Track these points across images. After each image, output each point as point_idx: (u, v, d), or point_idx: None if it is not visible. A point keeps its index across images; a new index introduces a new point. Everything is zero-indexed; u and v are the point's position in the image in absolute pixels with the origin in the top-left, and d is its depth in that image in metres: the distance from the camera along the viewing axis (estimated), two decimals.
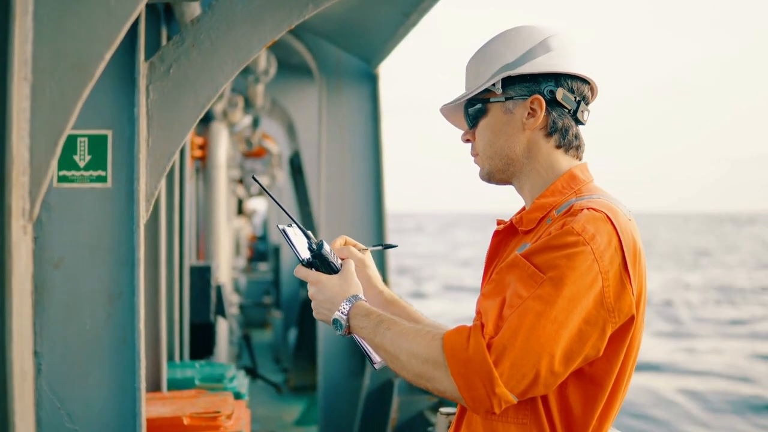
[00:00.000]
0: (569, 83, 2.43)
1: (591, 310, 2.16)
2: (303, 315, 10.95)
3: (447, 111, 2.64)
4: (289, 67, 8.39)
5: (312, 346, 9.58)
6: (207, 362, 5.07)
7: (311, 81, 8.24)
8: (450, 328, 2.28)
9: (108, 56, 2.23)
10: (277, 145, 13.54)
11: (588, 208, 2.25)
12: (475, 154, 2.56)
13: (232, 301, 9.88)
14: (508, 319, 2.14)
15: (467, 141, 2.58)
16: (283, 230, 2.53)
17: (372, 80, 6.64)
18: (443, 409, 3.89)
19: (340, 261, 2.56)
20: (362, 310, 2.42)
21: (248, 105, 8.87)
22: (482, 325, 2.18)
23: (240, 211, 14.15)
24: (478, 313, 2.25)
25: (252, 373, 9.68)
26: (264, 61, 6.96)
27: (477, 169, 2.53)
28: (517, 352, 2.10)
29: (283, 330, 13.00)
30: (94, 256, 3.15)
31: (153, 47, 3.85)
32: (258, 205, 22.82)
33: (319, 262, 2.53)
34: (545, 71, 2.41)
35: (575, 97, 2.44)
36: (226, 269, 9.11)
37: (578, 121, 2.48)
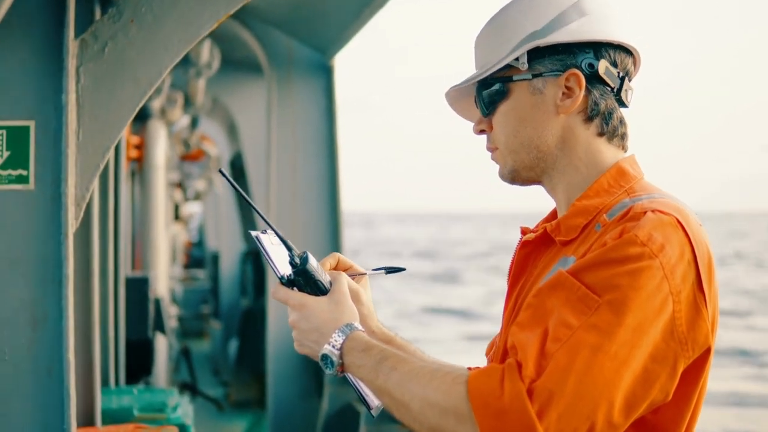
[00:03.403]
0: (611, 54, 2.01)
1: (659, 342, 1.75)
2: (244, 325, 10.69)
3: (453, 97, 2.19)
4: (233, 62, 8.12)
5: (255, 359, 9.36)
6: (146, 387, 4.77)
7: (256, 77, 8.01)
8: (472, 367, 1.84)
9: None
10: (217, 147, 13.24)
11: (653, 211, 1.83)
12: (492, 148, 2.12)
13: (171, 313, 9.57)
14: (555, 356, 1.71)
15: (481, 132, 2.13)
16: (257, 238, 2.04)
17: (327, 73, 6.36)
18: None
19: (329, 279, 2.07)
20: (360, 344, 1.94)
21: (188, 103, 8.55)
22: (519, 365, 1.74)
23: (176, 216, 13.80)
24: (513, 348, 1.81)
25: (191, 389, 9.32)
26: (207, 52, 6.64)
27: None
28: (568, 399, 1.67)
29: (223, 341, 12.72)
30: (13, 272, 2.86)
31: (84, 22, 3.39)
32: (194, 209, 22.56)
33: (303, 280, 2.03)
34: (583, 39, 1.99)
35: (618, 72, 2.02)
36: (165, 279, 8.76)
37: (621, 103, 2.05)
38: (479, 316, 31.23)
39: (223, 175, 2.11)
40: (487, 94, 2.07)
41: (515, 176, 2.09)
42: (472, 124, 2.16)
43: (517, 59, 2.00)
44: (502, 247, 66.66)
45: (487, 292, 37.58)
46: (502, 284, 2.60)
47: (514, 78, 2.02)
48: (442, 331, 27.50)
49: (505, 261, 2.35)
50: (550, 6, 2.02)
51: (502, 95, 2.05)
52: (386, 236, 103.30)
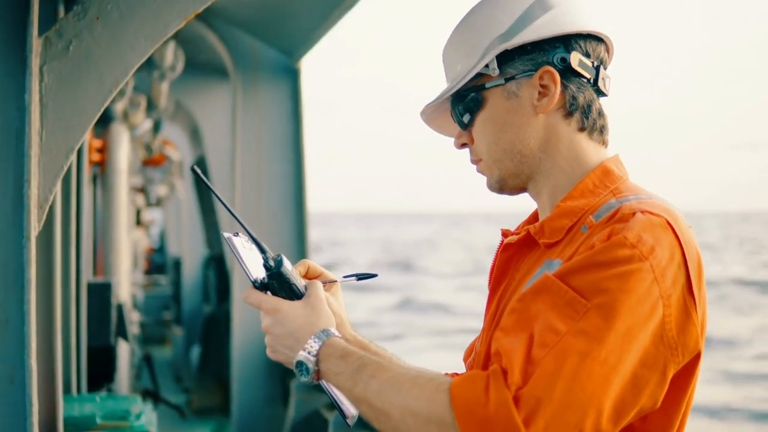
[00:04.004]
0: (582, 45, 1.96)
1: (649, 347, 1.69)
2: (207, 331, 10.55)
3: (429, 115, 2.13)
4: (197, 65, 8.00)
5: (217, 365, 9.28)
6: (109, 395, 4.70)
7: (220, 80, 7.99)
8: (451, 374, 1.78)
9: None
10: (179, 151, 13.11)
11: (642, 212, 1.77)
12: (476, 160, 2.06)
13: (133, 319, 9.44)
14: (542, 362, 1.65)
15: (463, 146, 2.08)
16: (229, 240, 1.97)
17: (293, 75, 6.30)
18: None
19: (304, 283, 2.00)
20: (337, 350, 1.88)
21: (151, 106, 8.37)
22: (504, 371, 1.67)
23: (138, 221, 13.66)
24: (497, 354, 1.74)
25: (154, 396, 9.19)
26: (171, 55, 6.53)
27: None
28: (555, 407, 1.62)
29: (185, 347, 12.55)
30: None
31: (48, 20, 3.32)
32: (155, 215, 22.42)
33: (278, 283, 1.96)
34: (551, 35, 1.93)
35: (592, 62, 1.97)
36: (127, 285, 8.63)
37: (600, 92, 2.00)
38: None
39: (196, 173, 2.02)
40: (463, 106, 2.01)
41: (503, 185, 2.03)
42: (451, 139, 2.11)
43: (487, 66, 1.95)
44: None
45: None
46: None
47: (487, 85, 1.97)
48: None
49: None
50: (513, 6, 1.97)
51: (478, 105, 2.00)
52: (347, 237, 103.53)
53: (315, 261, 2.21)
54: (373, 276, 2.25)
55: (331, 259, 54.92)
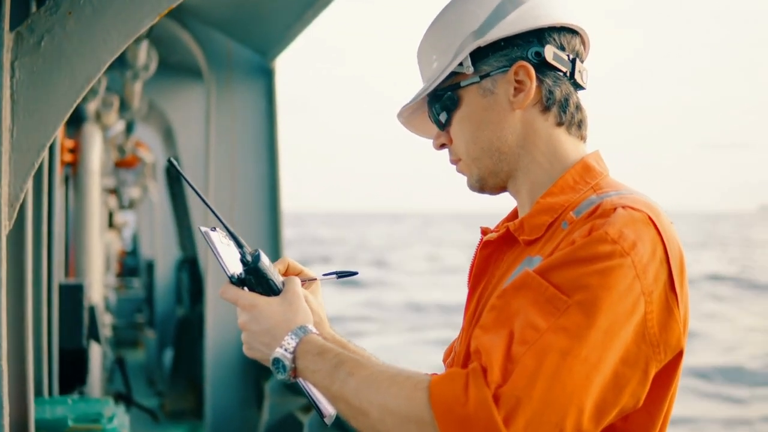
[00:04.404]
0: (556, 38, 1.93)
1: (630, 345, 1.65)
2: (180, 334, 10.41)
3: (406, 117, 2.10)
4: (170, 65, 7.90)
5: (190, 368, 9.13)
6: (81, 397, 4.62)
7: (194, 81, 7.94)
8: (433, 374, 1.74)
9: None
10: (152, 153, 13.02)
11: (624, 207, 1.74)
12: (455, 160, 2.03)
13: (105, 322, 9.36)
14: (521, 360, 1.61)
15: (442, 147, 2.04)
16: (206, 234, 1.93)
17: (267, 75, 6.22)
18: None
19: (281, 279, 1.96)
20: (314, 347, 1.83)
21: (123, 107, 8.29)
22: (484, 369, 1.64)
23: (110, 223, 13.57)
24: (476, 352, 1.70)
25: (126, 399, 9.11)
26: (144, 54, 6.43)
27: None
28: (536, 406, 1.58)
29: (158, 350, 12.44)
30: None
31: (20, 14, 3.20)
32: (128, 217, 22.32)
33: (255, 279, 1.92)
34: (524, 29, 1.90)
35: (568, 55, 1.94)
36: (99, 287, 8.55)
37: (577, 85, 1.97)
38: None
39: (173, 165, 1.98)
40: (439, 106, 1.98)
41: (483, 184, 2.00)
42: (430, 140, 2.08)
43: (461, 64, 1.92)
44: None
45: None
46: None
47: (462, 84, 1.94)
48: None
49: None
50: (484, 2, 1.94)
51: (454, 104, 1.97)
52: (321, 237, 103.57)
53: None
54: (354, 274, 2.21)
55: (306, 258, 54.99)
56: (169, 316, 12.46)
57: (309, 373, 1.82)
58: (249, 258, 1.91)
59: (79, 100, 2.83)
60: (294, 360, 1.84)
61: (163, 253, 13.55)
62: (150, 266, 14.96)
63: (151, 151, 13.09)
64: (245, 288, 1.93)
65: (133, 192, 13.97)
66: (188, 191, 9.06)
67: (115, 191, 12.46)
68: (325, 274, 2.18)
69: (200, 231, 1.96)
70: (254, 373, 6.16)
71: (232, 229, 1.95)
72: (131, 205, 16.23)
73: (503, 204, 2.12)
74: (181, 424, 9.65)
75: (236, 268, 1.93)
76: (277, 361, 1.84)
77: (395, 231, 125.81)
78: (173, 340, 10.83)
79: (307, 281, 2.12)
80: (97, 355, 7.74)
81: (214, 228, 1.96)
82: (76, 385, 5.74)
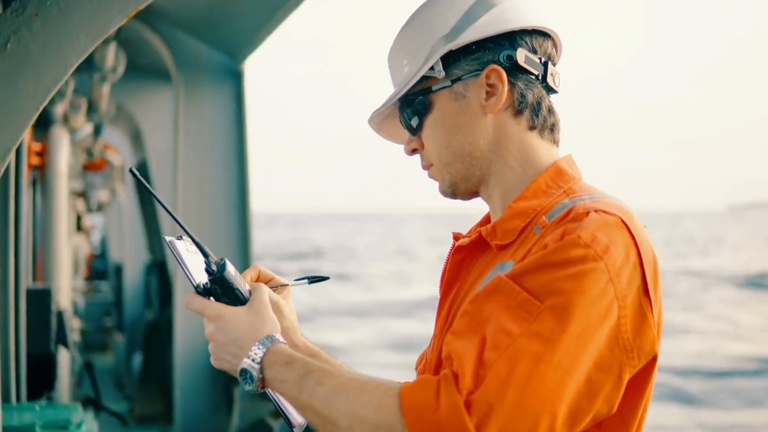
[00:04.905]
0: (528, 41, 1.91)
1: (604, 350, 1.63)
2: (149, 338, 10.34)
3: (377, 122, 2.07)
4: (138, 67, 7.84)
5: (160, 372, 9.10)
6: (49, 403, 4.56)
7: (162, 83, 7.89)
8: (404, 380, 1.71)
9: None
10: (120, 156, 12.94)
11: (596, 211, 1.72)
12: (427, 165, 2.00)
13: (73, 326, 9.28)
14: (494, 365, 1.59)
15: (413, 152, 2.02)
16: (171, 244, 1.89)
17: (236, 77, 6.19)
18: None
19: (248, 287, 1.93)
20: (282, 357, 1.80)
21: (91, 109, 8.20)
22: (455, 376, 1.61)
23: (79, 227, 13.48)
24: (448, 358, 1.68)
25: (95, 404, 9.03)
26: (112, 56, 6.37)
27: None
28: (508, 412, 1.56)
29: (127, 354, 12.36)
30: None
31: None
32: (96, 220, 22.19)
33: (221, 288, 1.89)
34: (495, 32, 1.88)
35: (540, 58, 1.92)
36: (67, 291, 8.47)
37: (549, 89, 1.95)
38: None
39: (135, 175, 1.93)
40: (411, 110, 1.96)
41: (455, 190, 1.98)
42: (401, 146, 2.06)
43: (432, 68, 1.90)
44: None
45: None
46: None
47: (434, 88, 1.92)
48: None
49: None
50: (455, 5, 1.92)
51: (426, 108, 1.94)
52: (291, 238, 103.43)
53: (261, 265, 2.15)
54: (325, 279, 2.18)
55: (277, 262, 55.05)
56: (138, 320, 12.39)
57: (277, 383, 1.79)
58: (214, 267, 1.88)
59: (45, 103, 2.78)
60: (261, 370, 1.81)
61: (131, 257, 13.49)
62: (119, 270, 14.91)
63: (119, 153, 13.02)
64: (211, 298, 1.90)
65: (101, 195, 13.89)
66: (157, 193, 8.98)
67: (83, 194, 12.38)
68: (296, 279, 2.15)
69: (165, 240, 1.93)
70: (224, 378, 6.12)
71: (196, 238, 1.92)
72: (100, 208, 16.14)
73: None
74: (151, 429, 9.59)
75: (202, 278, 1.90)
76: (244, 371, 1.82)
77: (366, 230, 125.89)
78: (142, 343, 10.75)
79: (278, 287, 2.10)
80: (65, 360, 7.67)
81: (180, 237, 1.93)
82: (45, 390, 5.69)
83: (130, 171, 1.96)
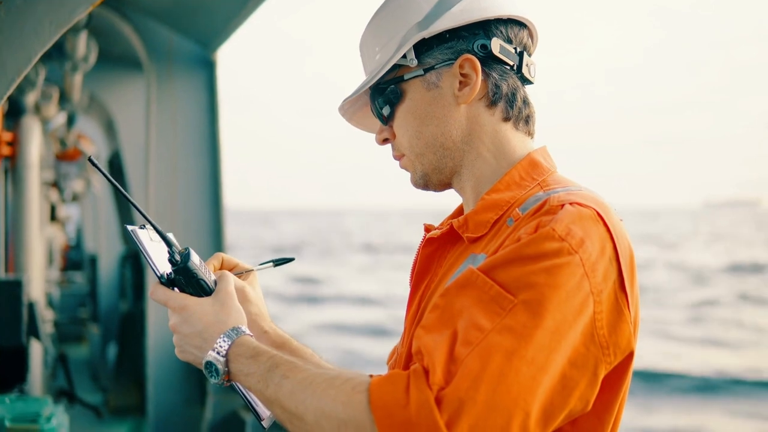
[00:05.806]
0: (503, 30, 1.87)
1: (579, 346, 1.59)
2: (124, 329, 10.28)
3: (348, 111, 2.03)
4: (111, 57, 7.76)
5: (134, 364, 9.05)
6: (18, 396, 4.48)
7: (135, 73, 7.81)
8: (375, 374, 1.66)
9: None
10: (94, 146, 12.82)
11: (571, 203, 1.67)
12: (398, 155, 1.96)
13: (47, 317, 9.19)
14: (465, 361, 1.54)
15: (385, 142, 1.97)
16: (134, 233, 1.85)
17: (209, 67, 6.12)
18: None
19: (214, 278, 1.89)
20: (247, 350, 1.76)
21: (64, 99, 8.10)
22: (426, 371, 1.57)
23: (53, 217, 13.33)
24: (418, 352, 1.63)
25: (69, 396, 8.95)
26: (83, 45, 6.28)
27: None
28: (480, 409, 1.51)
29: (101, 345, 12.31)
30: None
31: None
32: (72, 211, 22.02)
33: (185, 279, 1.84)
34: (469, 21, 1.84)
35: (515, 48, 1.88)
36: (40, 282, 8.38)
37: (525, 80, 1.91)
38: None
39: (94, 164, 1.87)
40: (382, 99, 1.92)
41: (427, 181, 1.94)
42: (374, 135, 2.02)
43: (404, 56, 1.86)
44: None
45: None
46: None
47: (406, 77, 1.88)
48: None
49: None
50: None
51: (398, 97, 1.90)
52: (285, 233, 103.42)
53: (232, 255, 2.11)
54: (290, 260, 2.14)
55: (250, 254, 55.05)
56: (112, 311, 12.31)
57: (242, 376, 1.75)
58: (178, 257, 1.83)
59: (9, 93, 2.72)
60: (227, 363, 1.77)
61: (106, 248, 13.40)
62: (93, 260, 14.79)
63: (93, 143, 12.90)
64: (176, 288, 1.86)
65: (75, 185, 13.76)
66: (130, 184, 8.89)
67: (55, 184, 12.27)
68: (261, 264, 2.11)
69: (127, 229, 1.89)
70: (197, 371, 6.07)
71: (159, 228, 1.87)
72: (74, 198, 16.00)
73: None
74: (125, 421, 9.52)
75: (166, 268, 1.86)
76: (209, 364, 1.78)
77: (344, 224, 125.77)
78: (117, 335, 10.68)
79: (244, 273, 2.06)
80: (37, 352, 7.60)
81: (143, 226, 1.89)
82: (16, 383, 5.61)
83: (89, 159, 1.89)
